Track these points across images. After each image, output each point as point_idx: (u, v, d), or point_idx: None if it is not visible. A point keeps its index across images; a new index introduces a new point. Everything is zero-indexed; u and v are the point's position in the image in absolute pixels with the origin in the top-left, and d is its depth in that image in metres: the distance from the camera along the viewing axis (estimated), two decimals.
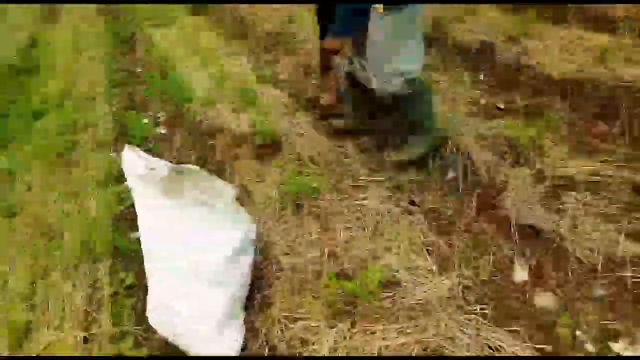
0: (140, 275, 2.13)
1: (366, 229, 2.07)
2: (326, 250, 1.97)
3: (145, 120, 3.67)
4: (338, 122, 2.87)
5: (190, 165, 1.77)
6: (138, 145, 3.23)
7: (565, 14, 3.70)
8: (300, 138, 2.84)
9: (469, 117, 2.76)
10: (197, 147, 3.15)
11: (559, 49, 3.14)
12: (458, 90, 3.13)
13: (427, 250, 1.92)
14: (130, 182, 1.74)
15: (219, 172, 2.71)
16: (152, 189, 1.68)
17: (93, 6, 6.81)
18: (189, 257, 1.72)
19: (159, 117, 3.73)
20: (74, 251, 2.25)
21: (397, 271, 1.82)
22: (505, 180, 2.23)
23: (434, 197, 2.32)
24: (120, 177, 2.86)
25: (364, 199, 2.25)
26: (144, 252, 1.81)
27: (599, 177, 2.09)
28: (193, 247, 1.71)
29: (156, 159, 1.74)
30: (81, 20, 6.32)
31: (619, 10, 3.40)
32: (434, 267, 1.82)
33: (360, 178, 2.43)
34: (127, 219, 2.46)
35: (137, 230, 2.33)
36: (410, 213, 2.15)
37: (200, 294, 1.74)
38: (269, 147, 2.81)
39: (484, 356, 1.50)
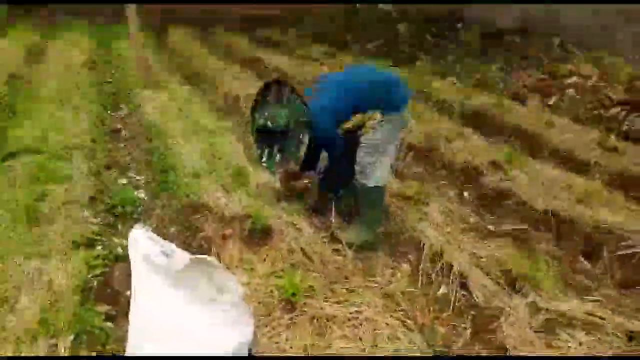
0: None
1: (362, 341, 1.96)
2: None
3: (124, 181, 3.52)
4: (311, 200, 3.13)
5: (206, 257, 1.66)
6: (114, 207, 3.10)
7: (542, 150, 4.00)
8: (292, 228, 2.76)
9: (461, 234, 2.81)
10: (179, 221, 3.00)
11: (540, 183, 3.34)
12: (446, 205, 3.21)
13: None
14: (136, 264, 1.60)
15: (203, 253, 2.56)
16: (161, 276, 1.55)
17: (81, 56, 6.75)
18: (184, 352, 1.55)
19: (138, 181, 3.58)
20: (30, 323, 1.97)
21: None
22: (500, 306, 2.22)
23: (426, 311, 2.28)
24: (92, 241, 2.65)
25: (359, 305, 2.16)
26: (131, 338, 1.61)
27: (591, 317, 2.12)
28: (190, 343, 1.55)
29: (170, 244, 1.63)
30: (66, 68, 6.22)
31: (592, 156, 3.72)
32: None
33: (354, 283, 2.35)
34: (96, 291, 2.23)
35: (107, 304, 2.14)
36: (408, 328, 2.07)
37: None
38: (259, 234, 2.71)
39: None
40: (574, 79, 5.18)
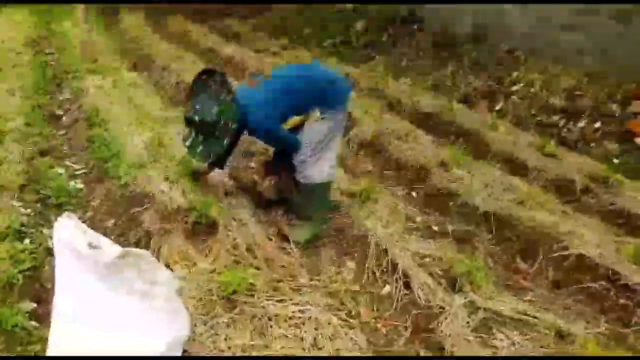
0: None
1: (304, 340, 1.94)
2: None
3: (60, 171, 3.33)
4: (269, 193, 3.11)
5: (137, 250, 1.58)
6: (47, 197, 2.92)
7: (486, 153, 4.13)
8: (238, 224, 2.70)
9: (406, 233, 2.84)
10: (118, 213, 2.87)
11: (483, 185, 3.44)
12: (394, 203, 3.24)
13: None
14: (59, 254, 1.49)
15: (142, 246, 2.45)
16: (87, 268, 1.45)
17: (21, 35, 6.34)
18: (112, 349, 1.47)
19: (76, 170, 3.39)
20: None
21: None
22: (440, 305, 2.26)
23: (369, 309, 2.29)
24: (20, 233, 2.48)
25: (303, 304, 2.13)
26: (53, 334, 1.50)
27: (525, 317, 2.20)
28: (118, 340, 1.47)
29: (98, 235, 1.54)
30: (4, 47, 5.81)
31: (532, 160, 3.88)
32: None
33: (299, 281, 2.32)
34: (21, 287, 2.08)
35: (30, 301, 2.02)
36: (350, 327, 2.07)
37: None
38: (203, 228, 2.63)
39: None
40: (519, 85, 5.38)
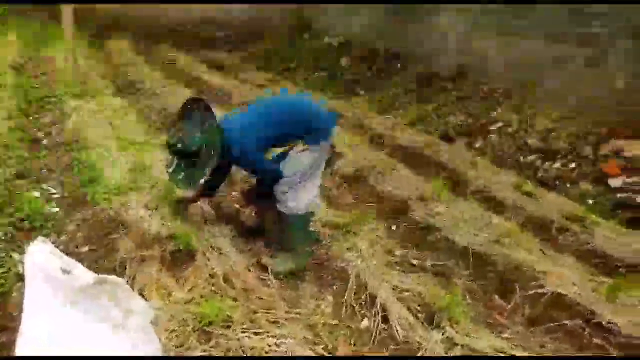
0: None
1: None
2: None
3: (36, 194, 3.26)
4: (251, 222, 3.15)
5: (113, 277, 1.54)
6: (20, 220, 2.85)
7: (465, 189, 4.20)
8: (217, 253, 2.67)
9: (386, 267, 2.84)
10: (95, 239, 2.81)
11: (462, 220, 3.48)
12: (374, 236, 3.25)
13: None
14: (32, 279, 1.45)
15: (118, 274, 2.39)
16: (60, 294, 1.41)
17: (7, 58, 6.31)
18: None
19: (53, 194, 3.33)
20: None
21: None
22: (419, 341, 2.25)
23: (347, 343, 2.26)
24: None
25: (280, 337, 2.09)
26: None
27: (502, 354, 2.19)
28: None
29: (73, 261, 1.50)
30: None
31: (509, 198, 3.95)
32: None
33: (277, 314, 2.29)
34: None
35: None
36: None
37: None
38: (181, 257, 2.59)
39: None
40: (498, 125, 5.53)
